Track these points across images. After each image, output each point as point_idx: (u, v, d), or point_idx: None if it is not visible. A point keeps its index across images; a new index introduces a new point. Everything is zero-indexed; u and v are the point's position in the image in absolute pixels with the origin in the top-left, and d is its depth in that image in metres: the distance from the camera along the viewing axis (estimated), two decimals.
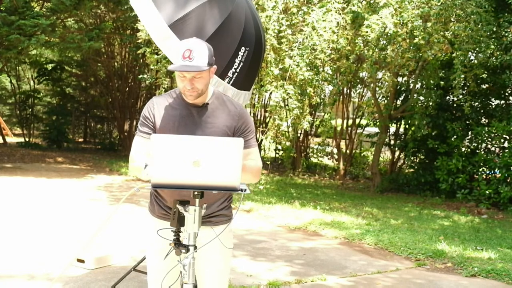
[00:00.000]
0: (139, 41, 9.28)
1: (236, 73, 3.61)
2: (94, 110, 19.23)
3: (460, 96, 9.93)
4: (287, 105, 8.51)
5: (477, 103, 10.78)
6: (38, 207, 7.35)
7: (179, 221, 2.21)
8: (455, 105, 11.07)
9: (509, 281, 4.93)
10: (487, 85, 10.66)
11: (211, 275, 2.49)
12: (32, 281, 4.17)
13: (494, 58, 9.01)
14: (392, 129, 13.17)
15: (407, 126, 12.07)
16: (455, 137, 10.43)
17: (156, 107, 2.44)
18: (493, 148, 10.72)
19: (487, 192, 9.57)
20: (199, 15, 3.33)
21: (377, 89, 11.81)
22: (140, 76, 13.67)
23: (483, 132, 9.96)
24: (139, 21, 8.89)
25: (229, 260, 2.58)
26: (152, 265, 2.53)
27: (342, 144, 14.06)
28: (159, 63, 8.96)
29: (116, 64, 17.45)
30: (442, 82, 9.92)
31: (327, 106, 12.64)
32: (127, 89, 17.39)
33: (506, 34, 8.71)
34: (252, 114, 15.50)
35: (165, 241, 2.27)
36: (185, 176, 2.01)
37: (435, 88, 10.51)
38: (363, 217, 7.84)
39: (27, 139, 17.26)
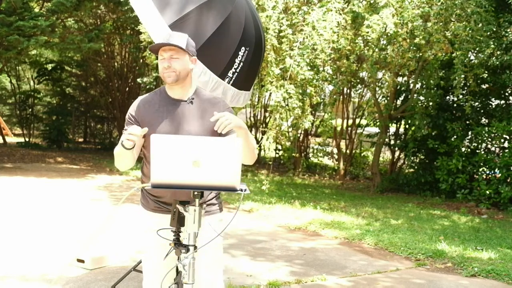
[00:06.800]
0: (143, 43, 9.27)
1: (236, 73, 3.61)
2: (94, 110, 19.23)
3: (460, 96, 9.93)
4: (287, 105, 8.52)
5: (477, 103, 10.77)
6: (38, 207, 7.35)
7: (179, 221, 2.22)
8: (455, 105, 11.06)
9: (509, 281, 4.93)
10: (487, 85, 10.65)
11: (202, 264, 2.48)
12: (31, 282, 4.17)
13: (494, 58, 8.99)
14: (392, 129, 13.15)
15: (407, 126, 12.06)
16: (455, 137, 10.42)
17: (142, 105, 2.50)
18: (493, 148, 10.71)
19: (487, 192, 9.56)
20: (199, 15, 3.33)
21: (377, 89, 11.79)
22: (139, 79, 13.67)
23: (483, 132, 9.95)
24: (140, 24, 8.88)
25: (220, 250, 2.59)
26: (148, 264, 2.59)
27: (342, 144, 14.04)
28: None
29: (116, 64, 17.46)
30: (442, 82, 9.91)
31: (327, 106, 12.64)
32: (127, 89, 17.39)
33: (506, 34, 8.70)
34: (252, 114, 15.51)
35: (161, 238, 2.30)
36: (185, 176, 2.01)
37: (435, 88, 10.50)
38: (363, 217, 7.84)
39: (27, 139, 17.26)
